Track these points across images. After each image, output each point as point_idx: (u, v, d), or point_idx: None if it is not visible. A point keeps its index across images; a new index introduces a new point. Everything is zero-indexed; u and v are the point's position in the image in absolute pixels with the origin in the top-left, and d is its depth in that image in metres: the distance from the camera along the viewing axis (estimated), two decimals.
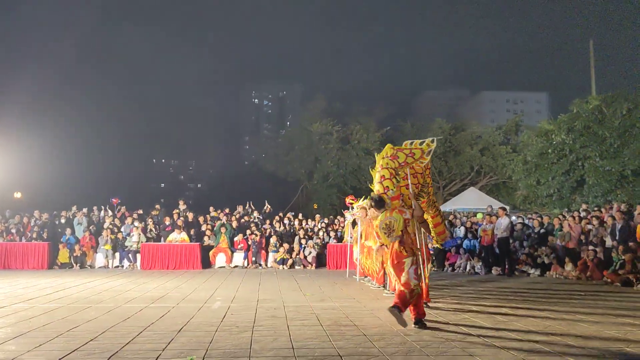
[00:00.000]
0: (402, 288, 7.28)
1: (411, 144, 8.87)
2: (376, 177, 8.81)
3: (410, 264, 7.42)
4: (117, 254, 18.74)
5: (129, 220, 19.88)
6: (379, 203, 7.95)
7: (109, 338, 6.53)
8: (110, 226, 19.32)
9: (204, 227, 19.87)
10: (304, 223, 21.32)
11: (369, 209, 12.62)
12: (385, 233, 7.55)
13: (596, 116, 25.92)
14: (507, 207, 19.90)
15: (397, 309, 6.99)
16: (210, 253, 18.66)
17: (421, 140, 8.74)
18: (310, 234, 20.08)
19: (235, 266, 18.63)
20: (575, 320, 7.92)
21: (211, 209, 21.62)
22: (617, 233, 14.62)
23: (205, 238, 19.23)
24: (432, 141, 8.75)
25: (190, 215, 20.38)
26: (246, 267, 18.44)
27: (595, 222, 15.79)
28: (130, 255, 18.45)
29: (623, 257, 13.62)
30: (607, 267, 14.11)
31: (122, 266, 18.51)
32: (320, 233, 20.07)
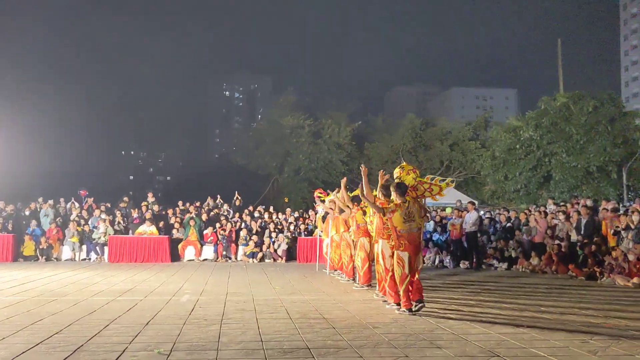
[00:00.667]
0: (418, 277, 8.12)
1: (432, 179, 9.08)
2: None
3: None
4: (84, 247, 18.47)
5: (96, 212, 19.59)
6: (403, 189, 8.32)
7: (74, 331, 6.43)
8: (77, 218, 19.03)
9: (172, 220, 19.70)
10: (274, 216, 21.28)
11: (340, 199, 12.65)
12: (405, 220, 8.04)
13: (563, 113, 26.38)
14: (476, 202, 20.13)
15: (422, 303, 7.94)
16: (179, 246, 18.52)
17: (441, 178, 8.99)
18: (280, 227, 20.05)
19: (205, 259, 18.52)
20: (540, 313, 8.05)
21: (180, 203, 21.42)
22: (582, 228, 14.89)
23: (174, 231, 19.07)
24: (452, 182, 9.11)
25: (156, 208, 20.20)
26: (216, 261, 18.34)
27: (561, 216, 16.06)
28: (97, 248, 18.19)
29: (586, 251, 13.90)
30: (573, 261, 14.37)
31: (89, 259, 18.25)
32: (291, 226, 20.06)
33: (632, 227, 13.39)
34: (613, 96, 26.97)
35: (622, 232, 13.66)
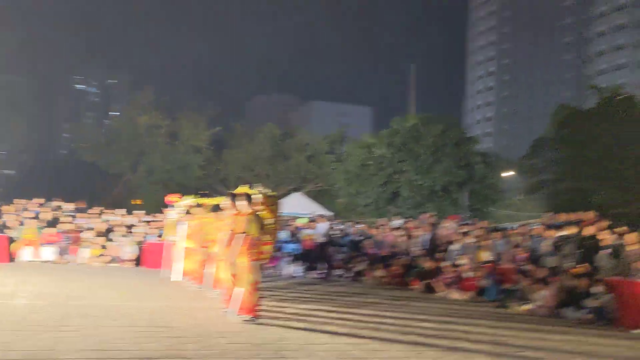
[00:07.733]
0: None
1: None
2: None
3: None
4: None
5: None
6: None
7: None
8: None
9: (10, 218, 18.29)
10: (123, 218, 20.46)
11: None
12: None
13: (413, 134, 27.94)
14: (330, 214, 20.67)
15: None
16: (16, 246, 17.20)
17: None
18: (129, 230, 19.29)
19: (46, 261, 17.37)
20: (381, 324, 8.43)
21: (24, 201, 19.94)
22: (424, 243, 15.81)
23: (10, 230, 17.72)
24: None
25: None
26: (56, 263, 17.25)
27: (405, 231, 16.94)
28: None
29: (426, 266, 14.77)
30: (413, 274, 15.18)
31: None
32: (140, 229, 19.39)
33: (470, 244, 14.41)
34: (457, 122, 29.07)
35: (455, 248, 14.66)
